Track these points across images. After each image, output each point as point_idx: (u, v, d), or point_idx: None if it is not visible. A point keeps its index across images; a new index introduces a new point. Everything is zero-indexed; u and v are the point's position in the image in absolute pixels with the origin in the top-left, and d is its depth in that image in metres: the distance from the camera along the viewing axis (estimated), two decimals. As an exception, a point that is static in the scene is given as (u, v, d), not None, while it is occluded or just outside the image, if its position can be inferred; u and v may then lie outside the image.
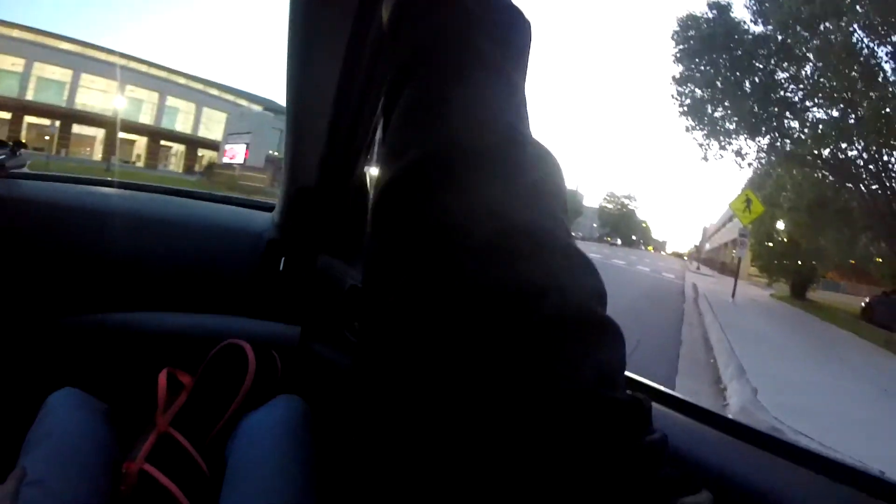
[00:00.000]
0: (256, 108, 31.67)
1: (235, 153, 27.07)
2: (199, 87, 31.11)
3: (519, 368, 0.21)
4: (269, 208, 1.17)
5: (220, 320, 1.00)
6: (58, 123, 24.12)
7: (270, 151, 27.03)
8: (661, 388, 0.61)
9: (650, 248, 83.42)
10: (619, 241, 71.66)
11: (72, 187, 1.16)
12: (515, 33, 0.33)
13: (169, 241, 1.05)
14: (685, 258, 68.54)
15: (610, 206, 79.89)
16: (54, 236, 1.03)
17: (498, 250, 0.23)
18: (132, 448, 0.76)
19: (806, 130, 10.82)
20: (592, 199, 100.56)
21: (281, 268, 1.03)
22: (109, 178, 1.25)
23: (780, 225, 13.65)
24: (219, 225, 1.10)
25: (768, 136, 11.81)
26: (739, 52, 11.43)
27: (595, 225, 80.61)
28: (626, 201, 79.70)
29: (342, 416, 0.81)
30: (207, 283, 1.03)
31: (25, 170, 1.17)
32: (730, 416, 0.56)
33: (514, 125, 0.29)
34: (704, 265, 35.28)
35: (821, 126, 10.42)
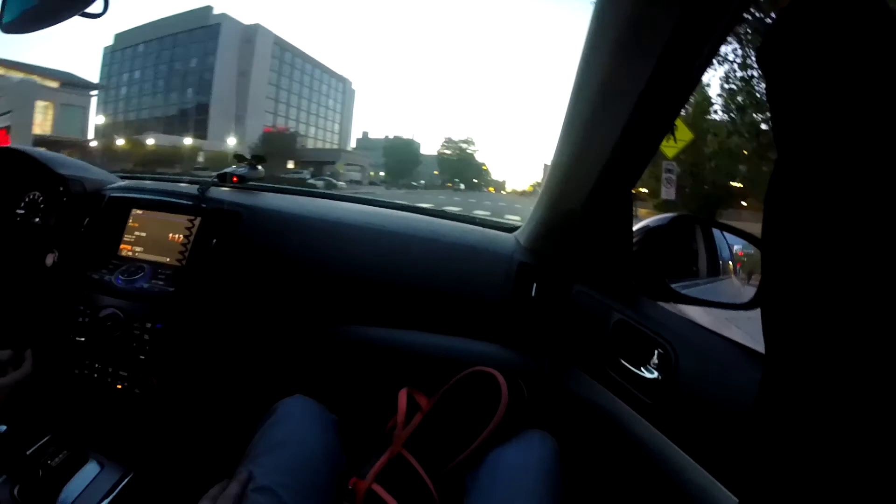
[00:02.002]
0: (16, 75, 25.79)
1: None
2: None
3: None
4: (508, 228, 1.15)
5: (464, 343, 0.99)
6: None
7: (39, 132, 20.48)
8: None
9: (491, 189, 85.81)
10: (462, 186, 71.04)
11: (311, 201, 1.22)
12: None
13: (415, 258, 1.05)
14: (524, 195, 72.23)
15: (448, 151, 78.87)
16: (297, 246, 1.07)
17: None
18: (362, 463, 0.78)
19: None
20: (430, 146, 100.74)
21: (533, 293, 0.97)
22: (346, 194, 1.36)
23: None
24: (467, 245, 1.07)
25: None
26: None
27: (436, 172, 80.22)
28: (465, 146, 78.69)
29: (597, 457, 0.83)
30: (454, 303, 1.01)
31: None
32: None
33: None
34: None
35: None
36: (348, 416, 0.82)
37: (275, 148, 42.74)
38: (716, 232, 0.89)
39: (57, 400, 0.99)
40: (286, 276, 1.04)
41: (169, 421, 1.00)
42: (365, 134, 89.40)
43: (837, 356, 0.26)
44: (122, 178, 1.26)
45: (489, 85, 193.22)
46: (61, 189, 1.08)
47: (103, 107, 53.53)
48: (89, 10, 0.60)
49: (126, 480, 0.88)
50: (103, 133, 44.14)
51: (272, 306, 1.04)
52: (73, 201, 1.08)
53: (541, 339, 0.95)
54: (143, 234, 1.10)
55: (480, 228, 1.16)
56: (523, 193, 79.49)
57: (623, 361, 0.78)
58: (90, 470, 0.87)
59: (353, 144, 79.56)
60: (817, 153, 0.28)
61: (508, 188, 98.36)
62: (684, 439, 0.63)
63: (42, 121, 24.66)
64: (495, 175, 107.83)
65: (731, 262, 0.88)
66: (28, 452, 0.78)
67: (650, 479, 0.68)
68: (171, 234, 1.08)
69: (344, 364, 1.03)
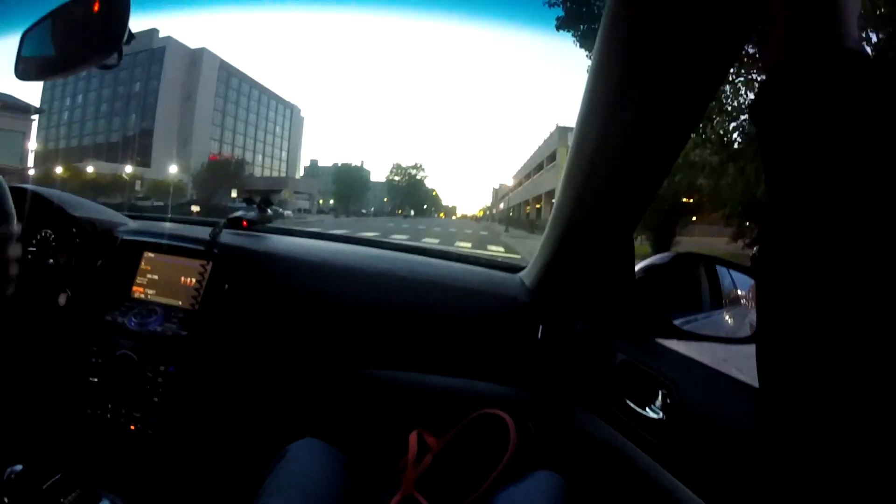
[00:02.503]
0: None
1: None
2: None
3: None
4: (513, 268, 1.17)
5: (472, 384, 0.99)
6: None
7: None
8: None
9: (441, 214, 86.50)
10: (412, 213, 71.62)
11: (318, 243, 1.26)
12: None
13: (422, 301, 1.06)
14: (475, 220, 73.30)
15: (397, 178, 79.17)
16: (306, 290, 1.08)
17: None
18: (373, 503, 0.79)
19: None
20: (379, 173, 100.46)
21: (539, 335, 0.98)
22: (352, 236, 1.38)
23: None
24: (472, 288, 1.08)
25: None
26: None
27: (385, 199, 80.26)
28: (414, 171, 79.35)
29: (604, 494, 0.83)
30: (462, 345, 1.02)
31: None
32: None
33: None
34: (512, 225, 34.54)
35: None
36: (358, 455, 0.83)
37: (220, 176, 41.58)
38: (718, 268, 0.91)
39: (70, 439, 1.01)
40: (296, 319, 1.07)
41: (180, 463, 1.02)
42: (314, 162, 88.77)
43: (828, 390, 0.27)
44: (131, 217, 1.28)
45: (438, 110, 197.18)
46: (74, 230, 1.10)
47: (44, 132, 51.05)
48: (106, 62, 0.63)
49: None
50: (44, 159, 41.69)
51: (283, 349, 1.07)
52: (85, 242, 1.10)
53: (547, 378, 0.98)
54: (156, 277, 1.11)
55: (486, 270, 1.19)
56: (473, 218, 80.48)
57: (628, 402, 0.80)
58: None
59: (301, 172, 78.44)
60: (806, 204, 0.30)
61: (459, 213, 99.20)
62: (689, 476, 0.65)
63: (-25, 146, 23.13)
64: (446, 200, 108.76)
65: (730, 298, 0.90)
66: (40, 491, 0.79)
67: None
68: (182, 278, 1.10)
69: (353, 404, 1.05)
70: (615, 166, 0.64)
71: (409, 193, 78.30)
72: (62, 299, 1.05)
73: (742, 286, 0.87)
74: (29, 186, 1.12)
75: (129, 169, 39.13)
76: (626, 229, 0.80)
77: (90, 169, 34.56)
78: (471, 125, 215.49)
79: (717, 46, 0.46)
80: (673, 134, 0.57)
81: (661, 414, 0.74)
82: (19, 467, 0.72)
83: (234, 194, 40.05)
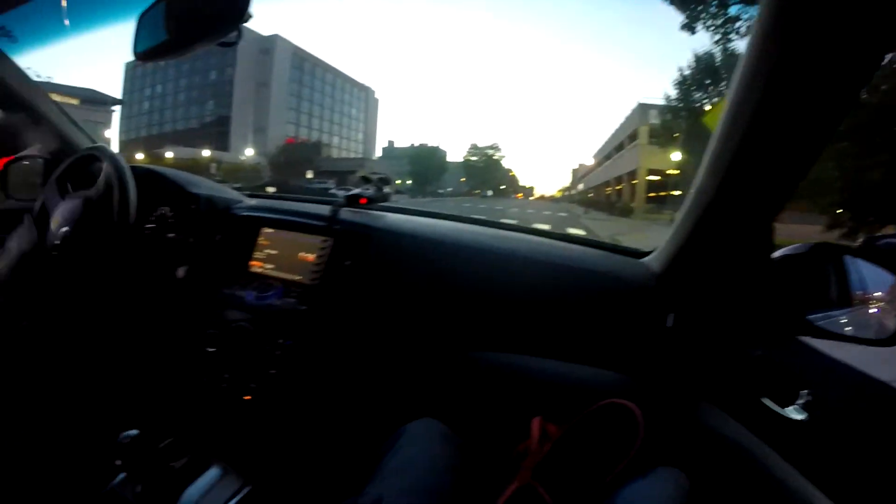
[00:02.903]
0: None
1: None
2: None
3: None
4: (634, 253, 1.11)
5: (591, 372, 0.95)
6: None
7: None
8: None
9: (519, 195, 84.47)
10: (489, 193, 70.20)
11: (434, 222, 1.24)
12: None
13: (544, 283, 1.02)
14: (553, 200, 70.55)
15: (474, 158, 77.81)
16: (425, 268, 1.06)
17: None
18: (489, 489, 0.78)
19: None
20: (456, 153, 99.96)
21: (669, 324, 0.92)
22: (463, 216, 1.34)
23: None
24: (597, 271, 1.02)
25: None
26: None
27: (462, 179, 79.26)
28: (491, 152, 77.45)
29: (730, 498, 0.79)
30: (581, 330, 0.98)
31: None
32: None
33: None
34: (592, 207, 31.87)
35: None
36: (474, 439, 0.81)
37: (296, 158, 42.49)
38: (858, 261, 0.82)
39: (185, 407, 1.03)
40: (415, 297, 1.04)
41: (291, 435, 1.03)
42: (391, 143, 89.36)
43: None
44: (250, 196, 1.32)
45: (516, 90, 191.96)
46: (193, 207, 1.12)
47: (125, 122, 55.28)
48: (225, 38, 0.63)
49: (247, 489, 0.89)
50: (124, 148, 44.71)
51: (400, 328, 1.04)
52: (203, 218, 1.13)
53: (674, 370, 0.90)
54: (274, 253, 1.12)
55: (606, 253, 1.12)
56: (552, 199, 77.47)
57: (765, 401, 0.75)
58: (212, 475, 0.89)
59: (378, 153, 79.45)
60: None
61: (537, 193, 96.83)
62: (832, 486, 0.60)
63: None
64: (523, 181, 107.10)
65: (874, 294, 0.81)
66: (153, 454, 0.81)
67: None
68: (301, 254, 1.10)
69: (469, 387, 1.00)
70: (767, 149, 0.62)
71: (486, 174, 76.77)
72: (181, 272, 1.09)
73: (880, 282, 0.81)
74: (149, 166, 1.20)
75: (206, 153, 40.59)
76: (769, 217, 0.75)
77: (169, 154, 36.37)
78: (549, 104, 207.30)
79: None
80: (831, 113, 0.56)
81: (804, 415, 0.71)
82: (134, 432, 0.75)
83: (309, 175, 40.51)
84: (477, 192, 70.66)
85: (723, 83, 13.02)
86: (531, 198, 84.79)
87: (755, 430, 0.75)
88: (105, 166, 1.01)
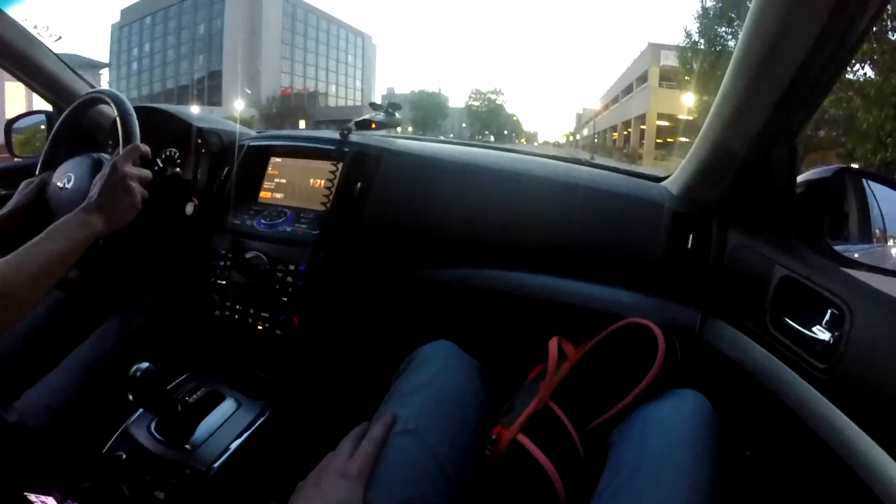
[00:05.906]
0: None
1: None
2: None
3: None
4: (652, 178, 1.11)
5: (609, 292, 0.93)
6: None
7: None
8: None
9: (523, 140, 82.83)
10: (492, 139, 68.90)
11: (446, 146, 1.22)
12: None
13: (565, 204, 1.01)
14: (557, 146, 69.20)
15: (476, 103, 75.64)
16: (440, 189, 1.04)
17: None
18: (507, 412, 0.77)
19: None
20: (458, 99, 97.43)
21: (689, 245, 0.91)
22: (482, 143, 1.27)
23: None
24: (619, 193, 1.01)
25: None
26: None
27: (464, 125, 77.49)
28: (493, 97, 74.93)
29: (751, 423, 0.81)
30: (603, 251, 0.97)
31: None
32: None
33: None
34: (598, 153, 31.27)
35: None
36: (490, 362, 0.79)
37: (288, 109, 41.80)
38: (879, 187, 0.81)
39: (198, 340, 1.04)
40: (429, 218, 1.02)
41: (308, 362, 1.03)
42: (390, 90, 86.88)
43: None
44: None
45: (519, 30, 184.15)
46: (199, 142, 1.11)
47: (115, 84, 53.63)
48: None
49: (262, 420, 0.90)
50: None
51: (417, 250, 1.02)
52: (210, 153, 1.10)
53: (694, 292, 0.89)
54: (284, 181, 1.10)
55: (626, 177, 1.09)
56: (555, 144, 75.94)
57: (788, 320, 0.71)
58: (227, 407, 0.90)
59: (377, 101, 77.36)
60: None
61: (541, 139, 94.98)
62: (861, 412, 0.57)
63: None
64: (527, 126, 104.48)
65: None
66: (167, 388, 0.80)
67: (814, 451, 0.63)
68: (312, 180, 1.08)
69: (484, 310, 1.01)
70: (791, 62, 0.60)
71: (489, 119, 74.95)
72: (189, 209, 1.08)
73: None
74: (153, 104, 1.19)
75: (195, 109, 39.72)
76: (791, 133, 0.73)
77: (161, 112, 34.80)
78: (553, 45, 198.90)
79: None
80: (855, 25, 0.55)
81: (829, 335, 0.65)
82: (146, 365, 0.74)
83: (302, 125, 39.65)
84: (479, 137, 69.32)
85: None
86: (535, 143, 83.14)
87: (777, 354, 0.72)
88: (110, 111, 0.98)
